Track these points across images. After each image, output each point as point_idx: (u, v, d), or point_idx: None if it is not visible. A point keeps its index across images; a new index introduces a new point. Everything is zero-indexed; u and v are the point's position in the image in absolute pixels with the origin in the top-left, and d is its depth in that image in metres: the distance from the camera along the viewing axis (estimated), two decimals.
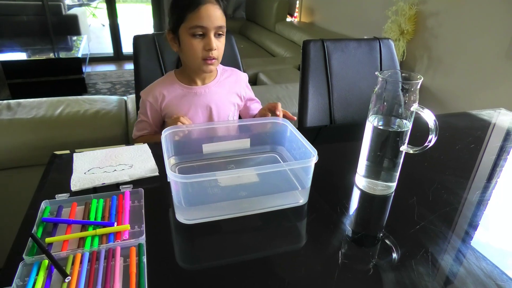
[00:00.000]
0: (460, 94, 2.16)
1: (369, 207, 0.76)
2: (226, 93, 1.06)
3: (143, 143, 0.94)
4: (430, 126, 0.67)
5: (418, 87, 0.68)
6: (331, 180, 0.86)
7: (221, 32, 0.95)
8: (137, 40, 1.19)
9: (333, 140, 1.14)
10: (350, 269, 0.59)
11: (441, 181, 0.84)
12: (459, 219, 0.72)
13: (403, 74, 0.71)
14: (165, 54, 1.20)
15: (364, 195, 0.79)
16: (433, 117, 0.67)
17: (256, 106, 1.16)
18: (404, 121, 0.71)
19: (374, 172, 0.77)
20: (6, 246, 0.61)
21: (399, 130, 0.71)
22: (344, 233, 0.68)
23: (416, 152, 0.71)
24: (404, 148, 0.73)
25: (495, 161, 0.95)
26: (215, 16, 0.92)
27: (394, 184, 0.78)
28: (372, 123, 0.73)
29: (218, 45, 0.95)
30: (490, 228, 0.71)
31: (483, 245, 0.66)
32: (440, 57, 2.25)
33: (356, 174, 0.82)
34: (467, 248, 0.64)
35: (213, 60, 0.95)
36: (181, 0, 0.94)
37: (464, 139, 1.07)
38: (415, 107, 0.68)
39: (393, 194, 0.79)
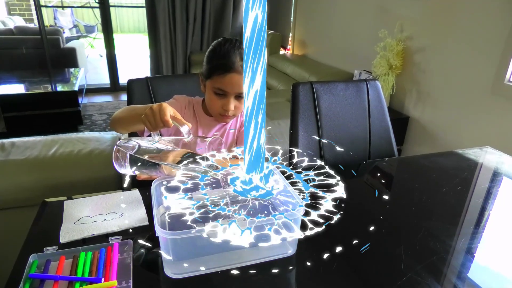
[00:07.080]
0: (448, 128, 2.21)
1: (355, 257, 0.77)
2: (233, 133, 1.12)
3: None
4: None
5: None
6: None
7: (242, 96, 0.98)
8: (131, 84, 1.22)
9: None
10: None
11: (427, 228, 0.85)
12: (447, 270, 0.73)
13: None
14: (158, 98, 1.23)
15: (349, 244, 0.79)
16: None
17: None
18: None
19: None
20: None
21: None
22: (332, 283, 0.68)
23: None
24: None
25: (482, 205, 0.97)
26: (238, 84, 0.95)
27: None
28: None
29: (237, 105, 0.99)
30: (477, 278, 0.72)
31: None
32: (428, 91, 2.32)
33: None
34: None
35: (229, 117, 1.01)
36: (214, 57, 0.97)
37: (450, 181, 1.09)
38: None
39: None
